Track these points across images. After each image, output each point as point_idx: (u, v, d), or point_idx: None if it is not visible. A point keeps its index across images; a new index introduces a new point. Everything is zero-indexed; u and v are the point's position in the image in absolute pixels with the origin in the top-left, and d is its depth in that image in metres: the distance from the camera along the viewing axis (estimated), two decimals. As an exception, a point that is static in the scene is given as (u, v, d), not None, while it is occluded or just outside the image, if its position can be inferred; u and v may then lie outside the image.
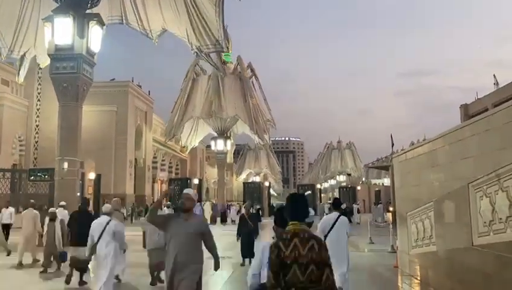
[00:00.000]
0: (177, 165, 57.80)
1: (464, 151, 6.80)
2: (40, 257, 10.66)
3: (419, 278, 9.06)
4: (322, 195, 67.03)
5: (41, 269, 10.02)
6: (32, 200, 12.53)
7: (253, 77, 36.71)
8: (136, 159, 42.20)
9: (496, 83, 36.21)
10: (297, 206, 3.06)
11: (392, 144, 26.99)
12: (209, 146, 53.94)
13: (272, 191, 77.13)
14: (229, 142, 36.03)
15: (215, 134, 37.28)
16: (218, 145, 35.48)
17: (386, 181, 54.86)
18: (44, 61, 18.43)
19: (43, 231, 10.92)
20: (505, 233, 5.35)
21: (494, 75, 37.65)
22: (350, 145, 65.53)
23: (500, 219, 5.45)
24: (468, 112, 33.26)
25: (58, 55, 14.72)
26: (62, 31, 14.49)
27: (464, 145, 6.79)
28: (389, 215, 25.97)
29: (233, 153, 59.28)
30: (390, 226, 15.86)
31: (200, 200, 39.61)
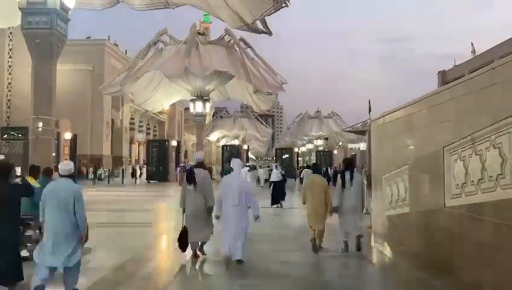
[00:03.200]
0: (154, 126, 57.34)
1: (440, 116, 6.90)
2: None
3: (392, 238, 9.36)
4: (299, 159, 67.76)
5: None
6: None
7: (248, 49, 33.29)
8: (113, 120, 41.62)
9: (473, 51, 36.62)
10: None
11: (370, 110, 27.14)
12: (187, 108, 53.45)
13: (250, 155, 77.65)
14: (208, 104, 35.59)
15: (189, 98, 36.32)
16: (197, 107, 35.06)
17: (363, 146, 55.73)
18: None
19: None
20: (476, 195, 5.53)
21: (471, 43, 38.02)
22: (332, 116, 65.62)
23: (472, 181, 5.62)
24: (446, 79, 33.68)
25: (30, 9, 14.10)
26: (34, -17, 13.84)
27: (441, 110, 6.89)
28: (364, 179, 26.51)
29: (212, 116, 58.85)
30: (365, 189, 16.23)
31: (177, 163, 39.59)
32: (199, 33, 34.76)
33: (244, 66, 30.34)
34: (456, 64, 35.69)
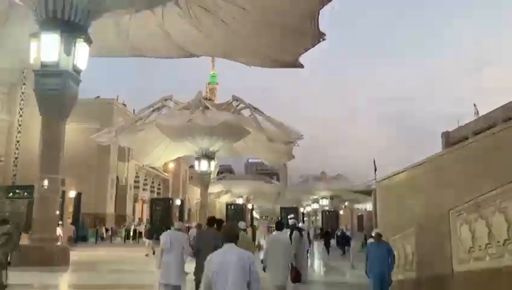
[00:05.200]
0: (159, 185, 57.25)
1: (444, 178, 6.91)
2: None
3: None
4: (305, 219, 66.86)
5: None
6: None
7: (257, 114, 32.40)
8: (118, 177, 41.71)
9: (476, 112, 37.08)
10: None
11: (375, 169, 27.22)
12: (192, 166, 53.65)
13: (254, 214, 76.83)
14: (213, 163, 35.75)
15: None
16: (202, 165, 35.21)
17: (369, 206, 55.08)
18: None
19: None
20: (484, 261, 5.41)
21: (474, 104, 38.60)
22: (339, 178, 65.24)
23: (480, 246, 5.53)
24: (450, 140, 33.90)
25: (44, 71, 14.61)
26: (48, 47, 14.41)
27: (445, 172, 6.91)
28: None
29: (217, 174, 58.90)
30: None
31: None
32: (205, 98, 35.16)
33: (255, 120, 29.83)
34: (460, 125, 36.06)
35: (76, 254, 17.68)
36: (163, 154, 37.62)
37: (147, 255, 20.38)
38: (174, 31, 18.42)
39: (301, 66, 18.59)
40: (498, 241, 5.05)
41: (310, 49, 17.23)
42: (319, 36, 16.27)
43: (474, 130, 25.54)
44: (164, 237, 7.86)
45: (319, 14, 15.56)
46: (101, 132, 32.23)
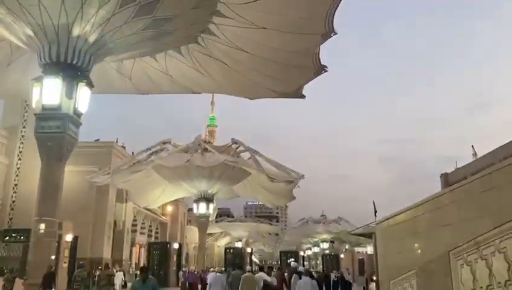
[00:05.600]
0: (157, 228, 56.58)
1: (443, 219, 6.90)
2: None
3: None
4: (305, 263, 65.71)
5: None
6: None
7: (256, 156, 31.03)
8: (115, 221, 41.27)
9: (475, 154, 37.24)
10: None
11: (375, 211, 27.00)
12: (190, 209, 53.26)
13: (253, 258, 75.56)
14: (211, 205, 35.56)
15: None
16: (200, 208, 34.99)
17: (370, 249, 54.22)
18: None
19: None
20: (487, 302, 5.33)
21: (472, 146, 38.81)
22: (339, 220, 64.66)
23: (481, 287, 5.46)
24: (449, 181, 33.84)
25: (45, 114, 14.79)
26: (50, 91, 14.66)
27: (443, 213, 6.91)
28: (373, 285, 25.46)
29: (216, 217, 58.42)
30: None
31: (179, 267, 38.50)
32: (205, 141, 35.39)
33: (255, 161, 29.83)
34: (458, 166, 36.12)
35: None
36: (161, 196, 37.46)
37: None
38: (176, 74, 18.85)
39: (303, 96, 18.90)
40: (499, 283, 4.99)
41: (311, 80, 17.68)
42: (320, 69, 16.73)
43: (473, 171, 25.56)
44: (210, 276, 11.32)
45: (319, 49, 16.00)
46: (97, 173, 32.18)
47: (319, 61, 16.42)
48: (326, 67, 16.81)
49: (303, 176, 31.09)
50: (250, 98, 20.65)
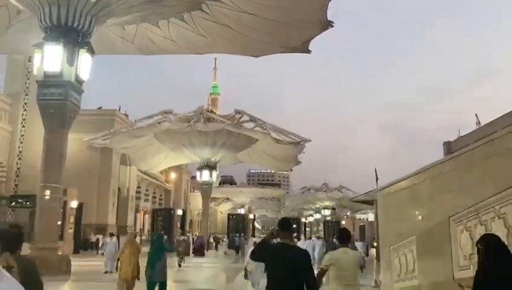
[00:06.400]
0: (160, 195, 57.28)
1: (445, 186, 6.93)
2: None
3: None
4: (307, 229, 66.68)
5: None
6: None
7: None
8: (119, 188, 41.74)
9: (478, 122, 37.06)
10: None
11: (377, 179, 27.17)
12: (194, 177, 53.73)
13: (256, 224, 76.67)
14: (214, 173, 35.87)
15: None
16: (204, 176, 35.31)
17: (371, 216, 54.85)
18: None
19: None
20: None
21: (476, 114, 38.57)
22: (341, 188, 64.92)
23: (481, 252, 5.54)
24: (451, 149, 33.86)
25: (47, 81, 14.75)
26: (52, 58, 14.56)
27: (445, 180, 6.94)
28: (373, 251, 25.91)
29: (219, 184, 59.04)
30: (374, 261, 15.86)
31: (183, 232, 39.18)
32: (208, 111, 35.16)
33: (261, 127, 29.70)
34: (461, 135, 36.04)
35: (78, 264, 17.65)
36: (163, 162, 37.69)
37: None
38: (179, 39, 18.61)
39: (308, 51, 18.70)
40: (498, 247, 5.07)
41: (317, 35, 17.53)
42: (327, 24, 16.57)
43: (476, 139, 25.56)
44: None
45: (327, 5, 15.81)
46: (97, 136, 32.07)
47: (326, 16, 16.26)
48: (333, 22, 16.64)
49: (309, 140, 30.92)
50: (255, 56, 20.41)
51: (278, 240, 4.42)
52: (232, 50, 20.85)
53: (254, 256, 4.60)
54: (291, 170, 40.43)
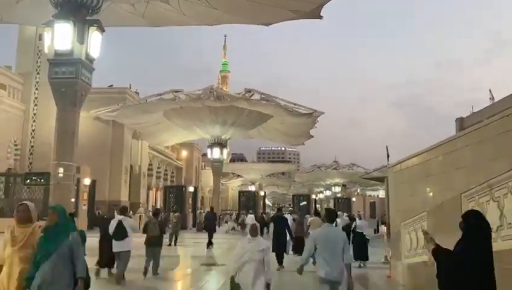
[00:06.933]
0: (172, 172, 57.75)
1: (457, 162, 6.90)
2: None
3: (412, 287, 9.10)
4: (317, 205, 67.02)
5: None
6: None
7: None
8: (131, 165, 42.16)
9: (492, 98, 36.48)
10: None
11: (388, 156, 27.01)
12: (205, 154, 54.01)
13: (267, 201, 77.21)
14: (225, 150, 35.98)
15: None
16: (214, 153, 35.46)
17: (381, 193, 54.87)
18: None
19: None
20: (495, 242, 5.42)
21: (489, 90, 37.98)
22: (352, 166, 64.61)
23: (492, 228, 5.53)
24: (464, 126, 33.46)
25: (58, 60, 14.77)
26: (62, 36, 14.54)
27: (457, 156, 6.89)
28: (384, 228, 25.97)
29: (230, 161, 59.34)
30: (385, 237, 15.91)
31: (194, 209, 39.61)
32: (217, 93, 34.81)
33: (273, 100, 29.22)
34: (474, 111, 35.53)
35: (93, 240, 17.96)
36: (174, 138, 37.83)
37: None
38: (190, 13, 18.40)
39: (320, 17, 18.24)
40: (509, 223, 5.06)
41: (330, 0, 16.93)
42: None
43: (489, 116, 25.21)
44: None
45: None
46: (105, 109, 32.09)
47: None
48: None
49: (323, 112, 30.49)
50: (265, 24, 20.04)
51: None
52: (242, 19, 20.43)
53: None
54: (303, 144, 40.00)
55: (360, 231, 15.03)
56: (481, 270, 3.76)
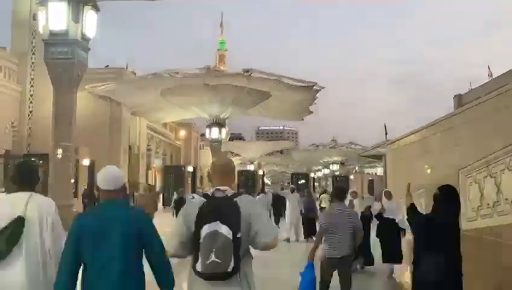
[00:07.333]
0: (171, 153, 57.86)
1: (454, 139, 6.92)
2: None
3: (410, 263, 9.22)
4: (316, 184, 67.41)
5: None
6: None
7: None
8: (130, 146, 42.19)
9: (490, 75, 36.34)
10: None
11: (386, 133, 27.10)
12: (203, 134, 54.04)
13: (266, 180, 77.63)
14: (224, 130, 35.90)
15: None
16: (213, 133, 35.41)
17: (380, 171, 55.13)
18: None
19: None
20: (491, 218, 5.49)
21: (488, 66, 37.81)
22: (350, 145, 64.76)
23: (488, 204, 5.59)
24: (462, 103, 33.44)
25: (53, 40, 14.63)
26: (56, 15, 14.36)
27: (455, 133, 6.92)
28: (379, 204, 26.12)
29: (229, 139, 59.42)
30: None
31: (193, 189, 39.78)
32: (215, 69, 34.47)
33: (272, 75, 28.74)
34: (472, 88, 35.44)
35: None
36: (171, 116, 37.77)
37: None
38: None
39: None
40: (506, 199, 5.11)
41: None
42: None
43: (487, 92, 25.16)
44: None
45: None
46: (100, 84, 31.69)
47: None
48: None
49: (323, 86, 30.15)
50: None
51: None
52: None
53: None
54: (303, 119, 39.75)
55: (390, 216, 9.86)
56: (446, 232, 4.37)
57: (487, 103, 6.06)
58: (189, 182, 39.35)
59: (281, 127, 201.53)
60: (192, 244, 2.91)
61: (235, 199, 2.99)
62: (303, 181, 50.00)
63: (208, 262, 2.77)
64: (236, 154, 68.25)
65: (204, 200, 3.02)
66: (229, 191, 3.10)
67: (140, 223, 3.20)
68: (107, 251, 3.01)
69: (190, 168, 41.37)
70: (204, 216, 2.87)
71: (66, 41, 14.54)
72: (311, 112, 36.38)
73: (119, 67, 41.01)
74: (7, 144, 34.32)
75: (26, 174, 3.78)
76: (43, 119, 33.46)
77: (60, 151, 15.17)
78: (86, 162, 28.23)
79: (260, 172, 56.56)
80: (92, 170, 30.03)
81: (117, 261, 2.99)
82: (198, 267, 2.82)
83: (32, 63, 35.63)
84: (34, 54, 35.59)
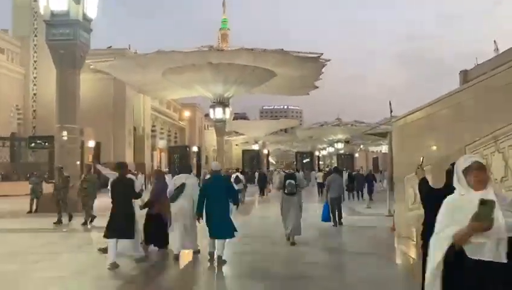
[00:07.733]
0: (175, 133, 57.93)
1: (461, 115, 6.84)
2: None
3: (414, 240, 9.26)
4: (321, 162, 67.47)
5: None
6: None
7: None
8: (134, 127, 42.25)
9: (496, 49, 35.81)
10: None
11: (391, 111, 26.83)
12: (207, 114, 53.95)
13: (270, 159, 77.76)
14: (227, 109, 35.86)
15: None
16: (217, 113, 35.38)
17: (384, 148, 55.05)
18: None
19: None
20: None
21: (494, 41, 37.22)
22: (355, 123, 64.23)
23: (496, 179, 5.55)
24: (468, 78, 33.07)
25: (54, 21, 14.55)
26: (57, -4, 14.25)
27: (462, 108, 6.83)
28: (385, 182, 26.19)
29: (233, 119, 59.37)
30: (388, 191, 16.11)
31: (198, 169, 39.97)
32: (218, 50, 34.05)
33: (279, 51, 28.46)
34: (478, 63, 35.00)
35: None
36: (174, 94, 37.67)
37: None
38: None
39: None
40: (514, 174, 5.07)
41: None
42: None
43: (493, 68, 24.85)
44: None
45: None
46: (102, 60, 31.46)
47: None
48: None
49: (329, 59, 29.89)
50: None
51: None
52: None
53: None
54: (308, 94, 39.36)
55: None
56: None
57: (494, 78, 5.96)
58: (195, 162, 39.46)
59: (285, 106, 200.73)
60: (282, 185, 10.13)
61: (295, 173, 11.21)
62: (308, 160, 50.02)
63: (288, 190, 9.99)
64: (242, 134, 68.27)
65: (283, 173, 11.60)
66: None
67: (227, 183, 8.72)
68: (216, 193, 7.79)
69: (195, 148, 41.44)
70: (286, 177, 10.29)
71: (67, 22, 14.46)
72: (317, 87, 36.14)
73: (122, 48, 40.77)
74: (13, 127, 34.47)
75: (186, 167, 9.78)
76: (47, 101, 33.50)
77: (65, 133, 15.23)
78: (91, 143, 28.31)
79: (265, 151, 56.58)
80: (97, 151, 30.07)
81: (223, 197, 7.86)
82: (285, 191, 10.04)
83: (35, 45, 35.52)
84: (36, 36, 35.44)
